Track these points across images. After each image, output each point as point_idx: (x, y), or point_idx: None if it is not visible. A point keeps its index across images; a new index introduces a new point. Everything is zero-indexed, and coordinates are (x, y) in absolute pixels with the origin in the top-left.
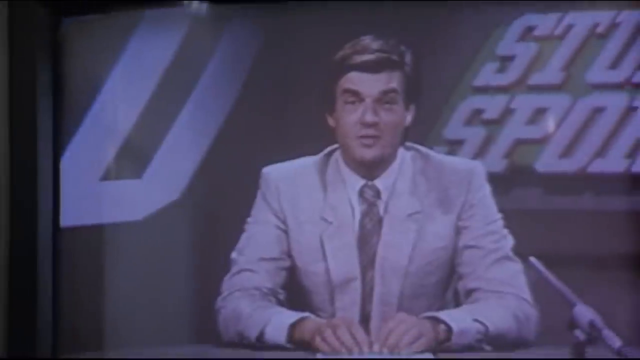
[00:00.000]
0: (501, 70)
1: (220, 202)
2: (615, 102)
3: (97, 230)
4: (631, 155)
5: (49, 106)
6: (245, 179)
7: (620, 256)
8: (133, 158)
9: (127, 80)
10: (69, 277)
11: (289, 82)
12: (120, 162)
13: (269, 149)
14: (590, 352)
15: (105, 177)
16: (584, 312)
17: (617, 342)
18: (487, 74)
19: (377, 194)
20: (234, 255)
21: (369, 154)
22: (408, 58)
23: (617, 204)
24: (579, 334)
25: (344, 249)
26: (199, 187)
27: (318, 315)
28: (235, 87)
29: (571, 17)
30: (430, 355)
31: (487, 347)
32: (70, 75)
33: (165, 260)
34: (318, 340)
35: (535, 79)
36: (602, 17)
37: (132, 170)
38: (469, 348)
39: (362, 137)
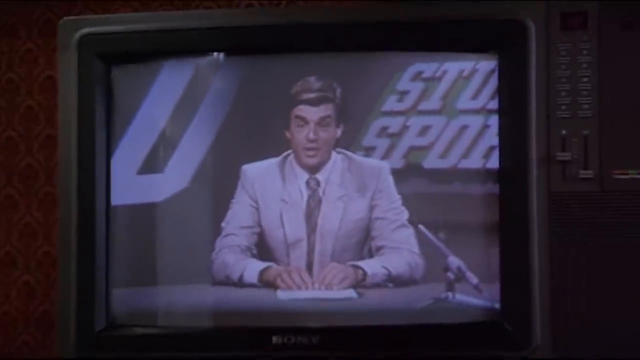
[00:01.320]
0: (400, 100)
1: (214, 188)
2: (475, 122)
3: (134, 208)
4: (486, 156)
5: (103, 124)
6: (231, 172)
7: (479, 224)
8: (157, 159)
9: (153, 106)
10: (117, 238)
11: (260, 109)
12: (149, 162)
13: (247, 153)
14: (457, 286)
15: (140, 172)
16: (454, 261)
17: (474, 280)
18: (391, 103)
19: (318, 183)
20: (223, 224)
21: (311, 161)
22: (338, 93)
23: (477, 189)
24: (450, 275)
25: (296, 220)
26: (201, 178)
27: (278, 264)
28: (224, 110)
29: (446, 65)
30: (353, 291)
31: (390, 284)
32: (118, 103)
33: (180, 228)
34: (279, 280)
35: (422, 106)
36: (466, 65)
37: (157, 167)
38: (378, 285)
39: (307, 149)
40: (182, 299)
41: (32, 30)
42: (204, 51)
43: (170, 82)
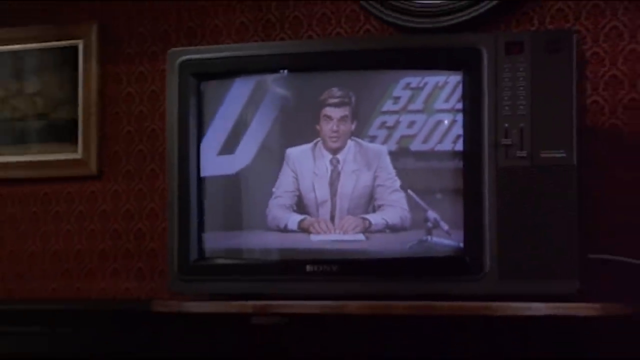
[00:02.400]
0: (394, 103)
1: (268, 165)
2: (447, 118)
3: (215, 178)
4: (454, 142)
5: (195, 122)
6: (280, 154)
7: (449, 189)
8: (230, 145)
9: (227, 109)
10: (205, 198)
11: (299, 110)
12: (225, 147)
13: (290, 141)
14: (434, 232)
15: (219, 153)
16: (431, 214)
17: (446, 227)
18: (388, 105)
19: (338, 161)
20: (274, 189)
21: (334, 145)
22: (353, 99)
23: (448, 165)
24: (429, 224)
25: (322, 186)
26: (259, 158)
27: (311, 217)
28: (275, 111)
29: (426, 79)
30: (362, 235)
31: (387, 231)
32: (204, 107)
33: (245, 191)
34: (311, 228)
35: (410, 107)
36: (440, 78)
37: (230, 150)
38: (379, 231)
39: (331, 137)
40: (247, 240)
41: (143, 58)
42: (263, 71)
43: (238, 92)
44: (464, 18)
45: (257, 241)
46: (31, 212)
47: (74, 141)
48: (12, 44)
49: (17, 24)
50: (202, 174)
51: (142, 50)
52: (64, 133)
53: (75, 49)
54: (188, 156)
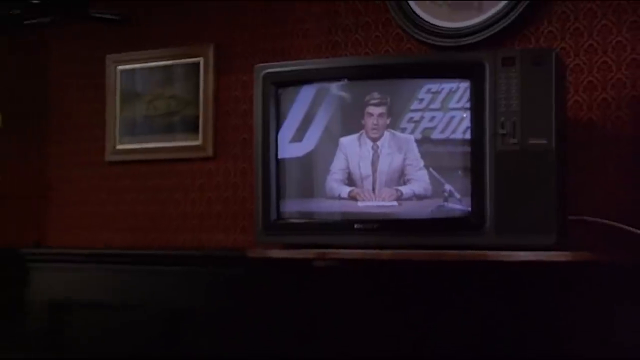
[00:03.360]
0: (419, 103)
1: (326, 150)
2: (459, 114)
3: (289, 159)
4: (464, 132)
5: (274, 119)
6: (335, 142)
7: (461, 167)
8: (299, 135)
9: (297, 109)
10: (282, 174)
11: (350, 108)
12: (295, 136)
13: (343, 131)
14: (449, 200)
15: (290, 141)
16: (447, 187)
17: (458, 196)
18: (415, 105)
19: (377, 147)
20: (330, 168)
21: (374, 135)
22: (388, 100)
23: (459, 149)
24: (445, 194)
25: (366, 165)
26: (320, 145)
27: (357, 188)
28: (332, 109)
29: (443, 85)
30: (395, 202)
31: (414, 199)
32: (280, 108)
33: (310, 169)
34: (358, 196)
35: (431, 106)
36: (454, 85)
37: (299, 139)
38: (408, 199)
39: (372, 129)
40: (311, 205)
41: (245, 70)
42: (323, 80)
43: (305, 95)
44: (478, 38)
45: (319, 206)
46: (167, 184)
47: (197, 132)
48: (154, 61)
49: (157, 47)
50: (279, 157)
51: (244, 65)
52: (189, 126)
53: (197, 64)
54: (269, 143)
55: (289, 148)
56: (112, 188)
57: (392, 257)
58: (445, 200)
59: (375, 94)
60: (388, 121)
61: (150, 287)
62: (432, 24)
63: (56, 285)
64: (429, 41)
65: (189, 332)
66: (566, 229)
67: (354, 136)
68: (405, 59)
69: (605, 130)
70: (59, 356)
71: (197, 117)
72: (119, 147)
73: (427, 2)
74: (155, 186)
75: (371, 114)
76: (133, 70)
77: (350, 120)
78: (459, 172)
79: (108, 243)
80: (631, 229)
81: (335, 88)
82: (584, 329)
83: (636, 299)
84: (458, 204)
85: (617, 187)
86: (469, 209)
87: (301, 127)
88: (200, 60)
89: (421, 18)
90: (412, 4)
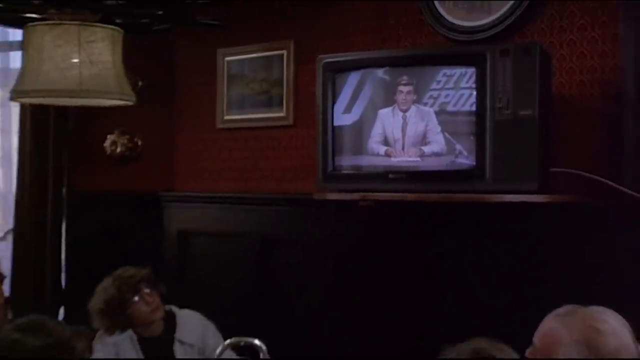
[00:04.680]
0: (437, 84)
1: (368, 119)
2: (467, 92)
3: (341, 126)
4: (471, 105)
5: (331, 97)
6: (374, 113)
7: (470, 132)
8: (349, 108)
9: (347, 89)
10: (337, 136)
11: (385, 88)
12: (346, 109)
13: (380, 105)
14: (459, 156)
15: (343, 112)
16: (458, 146)
17: (465, 153)
18: (434, 85)
19: (406, 117)
20: (371, 133)
21: (404, 108)
22: (414, 82)
23: (468, 118)
24: (457, 151)
25: (397, 131)
26: (363, 116)
27: (391, 147)
28: (372, 88)
29: (454, 71)
30: (419, 158)
31: (433, 156)
32: (336, 88)
33: (357, 133)
34: (391, 153)
35: (446, 86)
36: (463, 70)
37: (348, 111)
38: (428, 156)
39: (402, 103)
40: (357, 160)
41: (314, 60)
42: (368, 67)
43: (353, 78)
44: (487, 34)
45: (363, 161)
46: (260, 145)
47: (281, 106)
48: (251, 53)
49: (253, 42)
50: (335, 124)
51: (313, 56)
52: (276, 102)
53: (282, 55)
54: (327, 115)
55: (342, 118)
56: (221, 148)
57: (416, 199)
58: (456, 156)
59: (405, 77)
60: (414, 97)
61: (248, 221)
62: (453, 23)
63: (182, 219)
64: (450, 36)
65: (275, 254)
66: (548, 178)
67: (389, 109)
68: (427, 51)
69: (581, 103)
70: (184, 269)
71: (282, 95)
72: (226, 117)
73: (450, 5)
74: (252, 147)
75: (401, 92)
76: (236, 60)
77: (386, 97)
78: (467, 136)
79: (218, 188)
80: (599, 178)
81: (375, 73)
82: (560, 259)
83: (600, 234)
84: (465, 160)
85: (589, 146)
86: (474, 163)
87: (350, 102)
88: (284, 52)
89: (445, 18)
90: (437, 6)
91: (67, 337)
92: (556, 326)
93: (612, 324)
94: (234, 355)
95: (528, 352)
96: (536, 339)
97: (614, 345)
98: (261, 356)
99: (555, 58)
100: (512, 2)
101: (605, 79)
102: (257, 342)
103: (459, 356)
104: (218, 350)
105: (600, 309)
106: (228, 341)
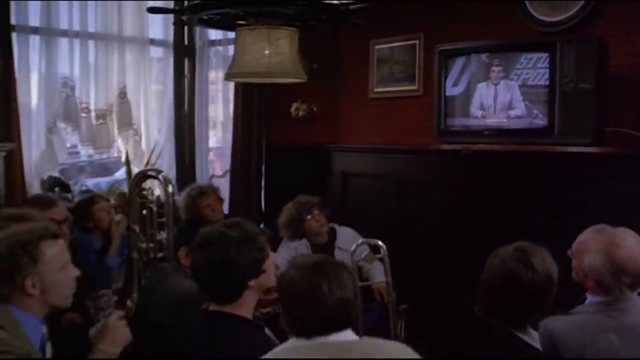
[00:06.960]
0: (521, 65)
1: (470, 91)
2: (542, 71)
3: (452, 96)
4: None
5: (443, 74)
6: (475, 86)
7: (542, 100)
8: (457, 82)
9: (455, 68)
10: (450, 105)
11: (482, 68)
12: (455, 83)
13: (478, 80)
14: (536, 118)
15: (452, 85)
16: (535, 110)
17: (541, 115)
18: (518, 65)
19: (497, 89)
20: (472, 100)
21: (495, 82)
22: (504, 63)
23: None
24: (534, 114)
25: (491, 99)
26: (467, 87)
27: (486, 112)
28: (474, 68)
29: (533, 55)
30: (506, 119)
31: (516, 118)
32: (447, 68)
33: (463, 100)
34: (486, 116)
35: (527, 66)
36: (539, 55)
37: (457, 84)
38: (513, 118)
39: (494, 79)
40: (462, 121)
41: (435, 48)
42: (471, 53)
43: (460, 61)
44: (563, 27)
45: (466, 121)
46: (399, 110)
47: (414, 81)
48: (393, 43)
49: (394, 35)
50: (447, 95)
51: (434, 45)
52: (410, 78)
53: (415, 45)
54: (441, 87)
55: (451, 90)
56: (371, 113)
57: (503, 149)
58: (533, 118)
59: (496, 60)
60: (503, 74)
61: (388, 165)
62: (538, 19)
63: (344, 164)
64: (537, 29)
65: (406, 189)
66: (603, 135)
67: (485, 83)
68: (513, 41)
69: (634, 80)
70: (345, 199)
71: (414, 74)
72: (376, 89)
73: (536, 5)
74: (393, 112)
75: (494, 70)
76: (383, 48)
77: (483, 74)
78: (541, 103)
79: (369, 142)
80: None
81: (476, 57)
82: (610, 198)
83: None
84: (540, 121)
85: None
86: (546, 123)
87: (457, 78)
88: (417, 42)
89: (533, 15)
90: (528, 5)
91: (255, 233)
92: (588, 237)
93: (629, 241)
94: (366, 250)
95: (568, 252)
96: (574, 244)
97: (628, 255)
98: (381, 252)
99: (613, 45)
100: (582, 2)
101: None
102: (379, 242)
103: (506, 252)
104: (353, 247)
105: (624, 229)
106: (361, 240)
